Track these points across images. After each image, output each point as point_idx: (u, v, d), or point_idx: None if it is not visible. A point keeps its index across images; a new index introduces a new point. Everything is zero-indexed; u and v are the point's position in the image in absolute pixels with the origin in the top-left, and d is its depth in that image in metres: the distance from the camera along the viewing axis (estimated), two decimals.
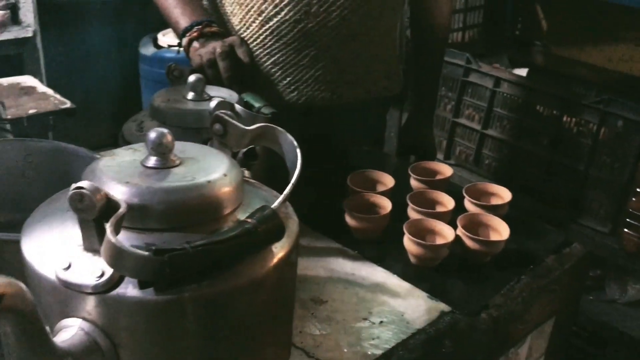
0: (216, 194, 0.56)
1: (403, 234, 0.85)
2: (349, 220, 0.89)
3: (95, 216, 0.50)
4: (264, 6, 1.11)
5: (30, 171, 0.86)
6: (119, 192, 0.53)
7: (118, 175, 0.56)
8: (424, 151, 1.37)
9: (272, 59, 1.15)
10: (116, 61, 2.95)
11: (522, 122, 1.67)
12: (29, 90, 2.22)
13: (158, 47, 2.75)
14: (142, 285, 0.49)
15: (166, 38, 2.74)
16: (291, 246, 0.59)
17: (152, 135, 0.58)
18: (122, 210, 0.50)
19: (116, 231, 0.48)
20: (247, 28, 1.15)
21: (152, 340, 0.53)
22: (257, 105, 0.90)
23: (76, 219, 0.55)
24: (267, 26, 1.12)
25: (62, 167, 0.87)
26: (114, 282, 0.51)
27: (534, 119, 1.66)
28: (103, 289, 0.51)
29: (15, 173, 0.86)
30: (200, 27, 1.04)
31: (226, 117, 0.67)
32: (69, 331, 0.51)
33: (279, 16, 1.11)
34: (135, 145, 0.64)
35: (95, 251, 0.52)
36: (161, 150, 0.58)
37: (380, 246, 0.90)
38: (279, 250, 0.57)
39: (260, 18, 1.13)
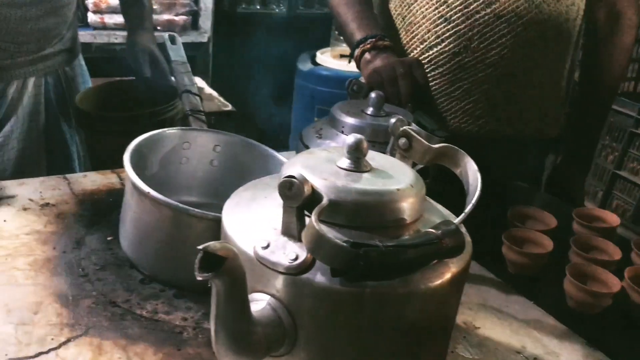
0: (403, 203, 0.59)
1: (562, 275, 0.83)
2: (507, 253, 0.89)
3: (299, 204, 0.55)
4: (426, 35, 1.15)
5: (217, 160, 0.95)
6: (318, 187, 0.58)
7: (316, 171, 0.61)
8: (571, 199, 1.31)
9: None
10: (274, 73, 3.12)
11: None
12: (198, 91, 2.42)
13: (315, 64, 2.88)
14: (334, 273, 0.53)
15: (324, 56, 2.87)
16: (465, 264, 0.61)
17: (351, 140, 0.62)
18: (324, 202, 0.54)
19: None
20: (409, 53, 1.19)
21: (329, 326, 0.56)
22: (430, 127, 0.93)
23: (276, 204, 0.61)
24: (427, 54, 1.16)
25: (243, 158, 0.95)
26: (305, 266, 0.55)
27: None
28: (294, 271, 0.55)
29: (205, 160, 0.95)
30: (373, 40, 1.10)
31: (413, 133, 0.71)
32: (259, 304, 0.57)
33: (439, 47, 1.15)
34: (329, 147, 0.69)
35: (292, 236, 0.57)
36: (357, 155, 0.62)
37: (535, 284, 0.88)
38: (455, 266, 0.59)
39: (421, 46, 1.17)
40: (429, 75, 1.16)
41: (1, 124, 1.21)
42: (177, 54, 1.10)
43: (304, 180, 0.55)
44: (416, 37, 1.17)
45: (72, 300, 0.75)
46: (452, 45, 1.13)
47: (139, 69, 1.33)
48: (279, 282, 0.56)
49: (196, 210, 0.75)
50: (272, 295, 0.57)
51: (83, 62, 1.42)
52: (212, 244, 0.48)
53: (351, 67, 2.81)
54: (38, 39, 1.23)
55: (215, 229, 0.75)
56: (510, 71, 1.14)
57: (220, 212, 0.75)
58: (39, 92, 1.26)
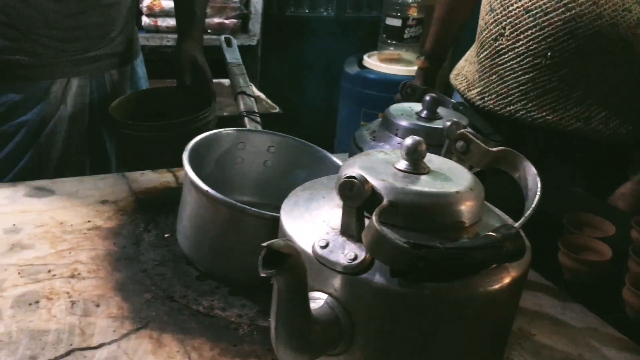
0: (462, 205, 0.59)
1: (621, 284, 0.81)
2: (563, 260, 0.87)
3: (359, 204, 0.56)
4: (481, 22, 1.36)
5: (271, 160, 0.97)
6: (377, 188, 0.58)
7: (375, 173, 0.61)
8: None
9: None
10: (321, 76, 3.14)
11: None
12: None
13: (362, 67, 2.88)
14: (393, 274, 0.53)
15: (371, 60, 2.87)
16: (524, 269, 0.60)
17: (409, 142, 0.62)
18: (385, 203, 0.55)
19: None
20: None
21: (386, 326, 0.57)
22: (485, 130, 0.93)
23: (334, 204, 0.62)
24: (480, 37, 1.34)
25: (297, 159, 0.96)
26: (364, 266, 0.55)
27: None
28: (353, 271, 0.56)
29: (259, 161, 0.96)
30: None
31: (471, 136, 0.70)
32: (317, 303, 0.57)
33: (485, 32, 1.32)
34: (385, 149, 0.69)
35: (350, 236, 0.57)
36: (415, 156, 0.62)
37: (592, 292, 0.86)
38: (514, 270, 0.59)
39: (479, 30, 1.37)
40: (478, 56, 1.34)
41: (45, 123, 1.22)
42: (233, 56, 1.12)
43: (364, 181, 0.55)
44: (479, 23, 1.37)
45: (132, 294, 0.77)
46: (493, 31, 1.29)
47: (180, 76, 1.35)
48: (337, 281, 0.57)
49: (252, 209, 0.77)
50: (330, 294, 0.58)
51: (140, 68, 1.44)
52: (276, 242, 0.49)
53: (398, 70, 2.81)
54: (82, 39, 1.23)
55: (270, 228, 0.76)
56: (537, 62, 1.22)
57: (274, 212, 0.76)
58: (83, 92, 1.27)
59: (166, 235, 0.90)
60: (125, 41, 1.34)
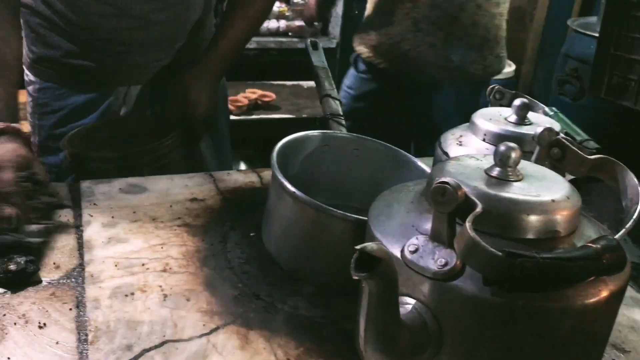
0: (558, 214, 0.57)
1: None
2: None
3: (451, 210, 0.55)
4: None
5: (355, 163, 0.97)
6: (469, 194, 0.57)
7: (465, 178, 0.60)
8: None
9: None
10: None
11: None
12: None
13: None
14: (486, 282, 0.52)
15: None
16: (624, 282, 0.58)
17: (502, 148, 0.61)
18: (478, 209, 0.54)
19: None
20: None
21: (476, 335, 0.56)
22: (579, 137, 0.89)
23: (422, 209, 0.61)
24: None
25: (381, 163, 0.96)
26: (455, 273, 0.55)
27: None
28: (443, 277, 0.55)
29: (343, 163, 0.97)
30: None
31: (567, 143, 0.68)
32: (405, 307, 0.57)
33: None
34: (476, 154, 0.68)
35: (441, 242, 0.57)
36: (508, 163, 0.61)
37: None
38: (612, 284, 0.56)
39: None
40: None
41: None
42: (319, 59, 1.13)
43: (457, 187, 0.54)
44: None
45: (220, 290, 0.79)
46: None
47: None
48: (426, 287, 0.57)
49: (338, 211, 0.77)
50: (419, 300, 0.57)
51: None
52: (369, 245, 0.49)
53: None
54: (146, 50, 1.26)
55: (355, 230, 0.77)
56: None
57: (357, 215, 0.77)
58: (144, 99, 1.30)
59: (251, 234, 0.92)
60: (191, 50, 1.32)
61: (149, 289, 0.78)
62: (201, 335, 0.71)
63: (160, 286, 0.79)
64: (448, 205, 0.55)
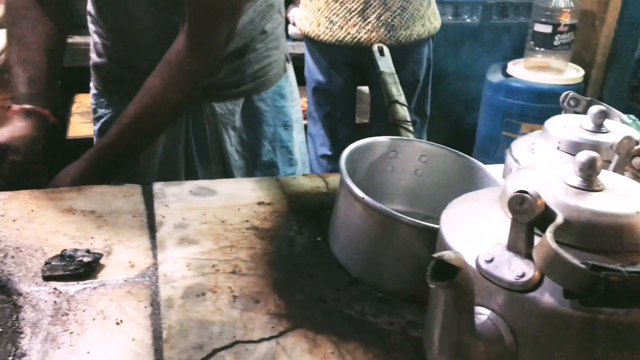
0: None
1: None
2: None
3: (530, 220, 0.54)
4: None
5: (422, 169, 0.96)
6: (548, 204, 0.56)
7: (543, 187, 0.59)
8: None
9: None
10: (461, 84, 3.07)
11: None
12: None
13: (506, 75, 2.79)
14: (567, 295, 0.51)
15: (516, 68, 2.77)
16: None
17: (583, 157, 0.59)
18: (559, 220, 0.53)
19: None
20: None
21: (554, 349, 0.54)
22: None
23: (498, 218, 0.60)
24: None
25: (449, 170, 0.95)
26: (533, 284, 0.54)
27: None
28: (520, 289, 0.54)
29: (410, 170, 0.97)
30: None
31: None
32: (479, 318, 0.56)
33: None
34: (551, 162, 0.66)
35: (518, 252, 0.55)
36: (589, 172, 0.59)
37: None
38: None
39: None
40: None
41: (170, 139, 1.28)
42: (386, 64, 1.13)
43: (537, 196, 0.53)
44: None
45: (288, 294, 0.80)
46: None
47: None
48: (502, 297, 0.56)
49: (407, 218, 0.77)
50: (494, 311, 0.56)
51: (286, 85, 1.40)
52: (447, 254, 0.49)
53: (546, 79, 2.68)
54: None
55: (423, 238, 0.77)
56: None
57: (424, 221, 0.76)
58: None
59: (318, 239, 0.93)
60: (235, 72, 1.28)
61: (220, 290, 0.80)
62: (270, 338, 0.72)
63: (230, 287, 0.80)
64: (527, 215, 0.54)
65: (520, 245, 0.55)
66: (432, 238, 0.67)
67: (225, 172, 1.34)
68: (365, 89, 2.52)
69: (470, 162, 0.94)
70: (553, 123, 0.90)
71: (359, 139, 0.93)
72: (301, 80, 1.54)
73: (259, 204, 1.02)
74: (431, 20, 2.18)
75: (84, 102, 2.56)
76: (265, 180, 1.12)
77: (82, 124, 2.45)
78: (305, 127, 1.89)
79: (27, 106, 1.09)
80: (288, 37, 2.82)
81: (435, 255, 0.49)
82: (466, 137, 2.98)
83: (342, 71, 2.18)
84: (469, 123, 3.00)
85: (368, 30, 2.00)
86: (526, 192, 0.53)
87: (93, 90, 1.36)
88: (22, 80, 1.10)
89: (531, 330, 0.55)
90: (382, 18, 2.00)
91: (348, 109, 2.34)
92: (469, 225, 0.63)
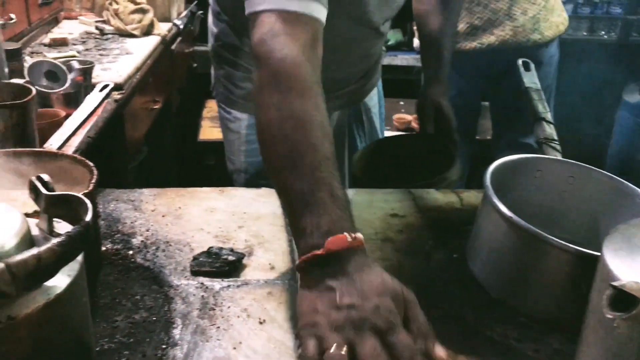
0: None
1: None
2: None
3: None
4: None
5: (568, 191, 0.92)
6: None
7: None
8: None
9: None
10: (594, 103, 2.90)
11: None
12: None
13: None
14: None
15: None
16: None
17: None
18: None
19: None
20: None
21: None
22: None
23: None
24: None
25: (599, 193, 0.89)
26: None
27: None
28: None
29: (555, 190, 0.92)
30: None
31: None
32: None
33: None
34: None
35: None
36: None
37: None
38: None
39: None
40: None
41: None
42: (531, 80, 1.09)
43: None
44: None
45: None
46: None
47: (423, 123, 1.32)
48: None
49: (558, 240, 0.73)
50: None
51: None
52: (629, 283, 0.46)
53: None
54: (344, 80, 1.32)
55: (574, 263, 0.73)
56: None
57: (570, 245, 0.72)
58: (342, 123, 1.36)
59: (454, 256, 0.91)
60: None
61: None
62: None
63: None
64: None
65: None
66: (586, 264, 0.64)
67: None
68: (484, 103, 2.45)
69: (624, 186, 0.88)
70: None
71: (481, 157, 0.91)
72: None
73: (392, 215, 1.02)
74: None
75: (213, 108, 2.69)
76: (398, 192, 1.11)
77: (211, 127, 2.58)
78: None
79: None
80: (413, 49, 2.81)
81: (615, 283, 0.46)
82: (597, 159, 2.81)
83: (473, 83, 2.13)
84: (601, 144, 2.83)
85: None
86: None
87: (245, 122, 1.34)
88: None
89: None
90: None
91: (472, 124, 2.29)
92: (638, 253, 0.59)
